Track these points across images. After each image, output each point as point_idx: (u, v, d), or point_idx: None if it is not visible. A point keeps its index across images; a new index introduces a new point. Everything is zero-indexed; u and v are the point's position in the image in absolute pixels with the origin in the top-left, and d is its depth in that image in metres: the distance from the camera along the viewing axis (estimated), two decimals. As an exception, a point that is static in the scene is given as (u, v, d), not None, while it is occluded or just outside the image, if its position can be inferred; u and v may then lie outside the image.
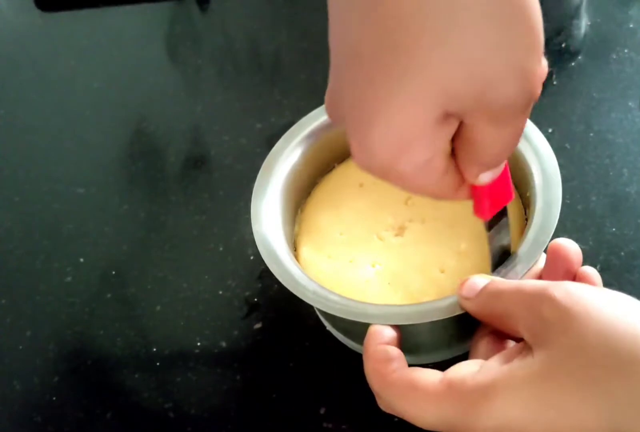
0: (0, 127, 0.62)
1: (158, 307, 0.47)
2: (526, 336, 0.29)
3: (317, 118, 0.42)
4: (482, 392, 0.27)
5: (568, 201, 0.47)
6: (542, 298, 0.28)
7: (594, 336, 0.26)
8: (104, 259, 0.50)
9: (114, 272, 0.50)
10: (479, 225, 0.40)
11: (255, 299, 0.46)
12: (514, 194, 0.32)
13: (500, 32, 0.22)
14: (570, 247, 0.34)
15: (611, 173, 0.48)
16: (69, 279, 0.50)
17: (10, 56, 0.68)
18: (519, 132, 0.27)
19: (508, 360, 0.28)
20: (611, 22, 0.58)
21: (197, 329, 0.46)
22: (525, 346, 0.29)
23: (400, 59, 0.23)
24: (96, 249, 0.51)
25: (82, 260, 0.51)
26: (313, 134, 0.42)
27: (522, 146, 0.39)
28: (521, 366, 0.27)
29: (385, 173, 0.27)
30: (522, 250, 0.35)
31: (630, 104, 0.52)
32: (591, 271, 0.34)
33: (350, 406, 0.41)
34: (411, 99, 0.23)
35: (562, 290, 0.28)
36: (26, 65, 0.67)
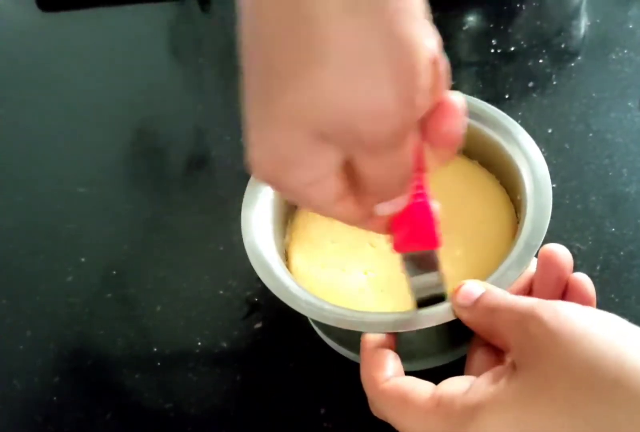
0: (0, 127, 0.62)
1: (158, 307, 0.47)
2: (514, 354, 0.29)
3: None
4: (469, 413, 0.28)
5: (567, 201, 0.47)
6: (531, 317, 0.28)
7: (578, 359, 0.26)
8: (105, 259, 0.50)
9: (114, 272, 0.50)
10: (475, 232, 0.40)
11: (256, 299, 0.46)
12: (440, 242, 0.31)
13: (367, 71, 0.22)
14: (562, 253, 0.34)
15: (610, 173, 0.48)
16: (69, 279, 0.50)
17: (11, 56, 0.68)
18: (401, 164, 0.26)
19: (496, 380, 0.28)
20: (610, 22, 0.58)
21: (197, 329, 0.46)
22: (513, 365, 0.29)
23: (276, 84, 0.23)
24: (97, 249, 0.51)
25: (82, 260, 0.51)
26: None
27: (512, 150, 0.39)
28: (506, 388, 0.27)
29: (275, 187, 0.27)
30: (514, 255, 0.35)
31: (629, 104, 0.52)
32: (583, 277, 0.33)
33: (350, 406, 0.41)
34: (284, 121, 0.24)
35: (551, 310, 0.28)
36: (26, 65, 0.67)
